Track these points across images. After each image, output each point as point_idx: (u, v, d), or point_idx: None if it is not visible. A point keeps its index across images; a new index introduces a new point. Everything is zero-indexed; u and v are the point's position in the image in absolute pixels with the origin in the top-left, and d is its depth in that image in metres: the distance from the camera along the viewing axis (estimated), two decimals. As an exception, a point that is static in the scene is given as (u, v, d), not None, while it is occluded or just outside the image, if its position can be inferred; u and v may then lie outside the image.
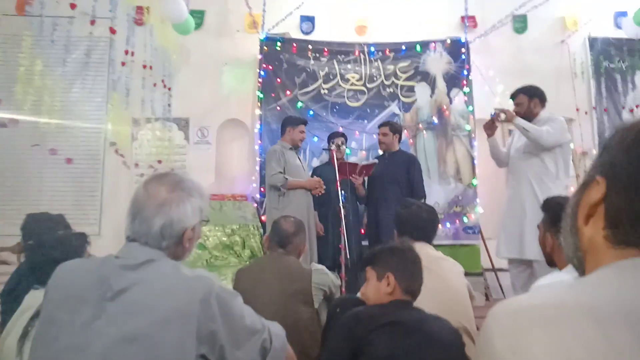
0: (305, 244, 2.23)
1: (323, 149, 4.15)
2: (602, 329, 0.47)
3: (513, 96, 3.33)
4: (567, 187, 3.14)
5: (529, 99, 3.25)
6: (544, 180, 3.14)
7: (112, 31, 3.91)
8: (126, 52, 4.21)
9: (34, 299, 1.65)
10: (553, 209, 1.70)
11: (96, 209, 4.73)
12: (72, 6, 3.39)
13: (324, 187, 3.63)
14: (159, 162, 4.61)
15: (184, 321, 1.03)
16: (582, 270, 0.62)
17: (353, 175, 3.83)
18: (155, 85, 4.49)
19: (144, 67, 4.42)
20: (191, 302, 1.04)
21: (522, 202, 3.20)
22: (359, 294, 1.69)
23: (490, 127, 3.35)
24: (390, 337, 1.38)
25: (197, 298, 1.05)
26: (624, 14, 4.91)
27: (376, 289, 1.56)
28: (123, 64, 4.35)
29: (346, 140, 4.10)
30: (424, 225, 2.11)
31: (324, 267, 2.10)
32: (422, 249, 2.07)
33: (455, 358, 1.41)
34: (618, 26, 4.97)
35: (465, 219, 4.44)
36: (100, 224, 4.67)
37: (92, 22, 3.62)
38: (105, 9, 3.85)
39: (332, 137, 4.04)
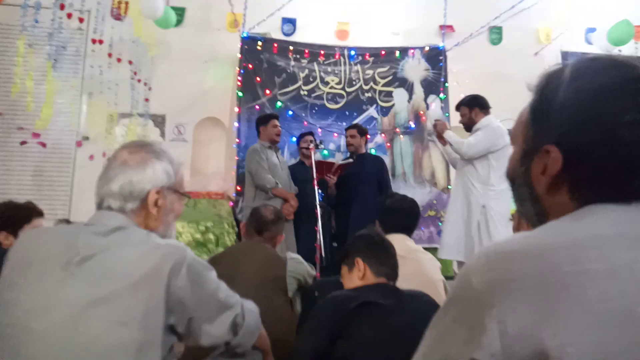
0: (282, 234, 2.22)
1: (302, 148, 4.14)
2: (573, 255, 0.50)
3: (457, 108, 3.53)
4: (503, 191, 3.16)
5: (470, 110, 3.43)
6: (475, 185, 3.27)
7: (80, 20, 3.83)
8: (96, 41, 4.11)
9: None
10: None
11: (65, 204, 4.59)
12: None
13: (293, 210, 3.61)
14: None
15: (152, 288, 1.00)
16: None
17: (328, 174, 3.84)
18: (132, 79, 4.42)
19: (119, 60, 4.35)
20: (161, 269, 1.01)
21: (455, 205, 3.38)
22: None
23: (440, 136, 3.52)
24: (367, 318, 1.38)
25: (167, 265, 1.02)
26: (593, 29, 5.11)
27: (349, 279, 1.57)
28: (101, 42, 4.23)
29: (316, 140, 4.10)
30: (406, 216, 2.14)
31: (299, 257, 2.09)
32: (401, 241, 2.09)
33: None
34: (588, 41, 5.17)
35: (440, 223, 4.49)
36: (69, 218, 4.54)
37: (62, 7, 3.54)
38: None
39: (302, 136, 4.06)
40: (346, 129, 4.08)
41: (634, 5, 4.82)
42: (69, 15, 3.91)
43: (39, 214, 2.31)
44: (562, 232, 0.54)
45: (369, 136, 4.27)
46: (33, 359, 0.94)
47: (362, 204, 3.66)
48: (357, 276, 1.54)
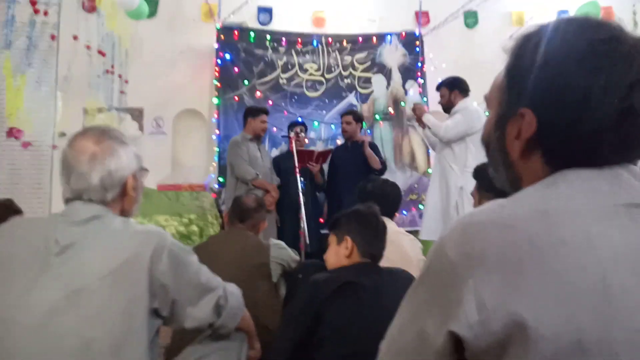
0: (265, 222, 2.24)
1: (282, 137, 4.17)
2: (549, 225, 0.50)
3: (437, 88, 3.56)
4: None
5: (450, 91, 3.46)
6: (452, 167, 3.33)
7: (45, 13, 3.73)
8: (75, 38, 4.05)
9: None
10: (487, 176, 1.78)
11: (44, 202, 4.52)
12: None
13: (274, 200, 3.62)
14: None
15: (134, 274, 1.01)
16: None
17: (310, 162, 3.86)
18: (107, 72, 4.35)
19: (99, 52, 4.27)
20: (142, 255, 1.03)
21: (434, 187, 3.45)
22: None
23: (419, 120, 3.55)
24: (348, 298, 1.41)
25: (148, 251, 1.03)
26: (565, 12, 5.19)
27: (335, 252, 1.58)
28: (76, 38, 4.15)
29: (306, 129, 4.16)
30: (388, 199, 2.18)
31: (282, 242, 2.12)
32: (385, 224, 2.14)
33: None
34: (561, 23, 5.24)
35: (421, 206, 4.56)
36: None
37: (33, 3, 3.45)
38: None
39: (291, 126, 4.07)
40: (342, 115, 4.07)
41: (604, -13, 4.91)
42: (36, 11, 3.83)
43: (17, 211, 2.29)
44: (536, 200, 0.54)
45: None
46: (18, 352, 0.94)
47: (354, 191, 3.67)
48: (343, 253, 1.55)
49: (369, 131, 4.68)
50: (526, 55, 0.59)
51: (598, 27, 0.56)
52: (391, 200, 2.21)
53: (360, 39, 4.77)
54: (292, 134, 3.79)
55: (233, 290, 1.28)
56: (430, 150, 4.60)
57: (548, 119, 0.56)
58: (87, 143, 1.10)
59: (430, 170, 4.62)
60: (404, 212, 4.51)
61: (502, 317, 0.47)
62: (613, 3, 5.02)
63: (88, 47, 4.06)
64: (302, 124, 4.14)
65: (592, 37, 0.55)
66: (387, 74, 4.77)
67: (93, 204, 1.09)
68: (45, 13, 3.75)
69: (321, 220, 4.07)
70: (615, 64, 0.53)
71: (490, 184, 1.68)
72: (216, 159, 4.41)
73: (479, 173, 1.86)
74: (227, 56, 4.50)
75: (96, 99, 4.39)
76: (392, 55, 4.79)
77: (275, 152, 4.42)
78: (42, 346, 0.94)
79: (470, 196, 3.20)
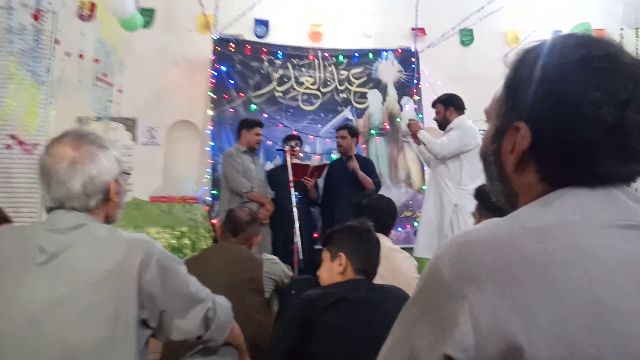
0: (259, 236, 2.20)
1: (276, 150, 4.15)
2: (543, 244, 0.49)
3: (433, 105, 3.56)
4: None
5: (445, 108, 3.46)
6: (447, 184, 3.31)
7: (36, 17, 3.72)
8: (56, 42, 4.02)
9: None
10: (488, 197, 1.77)
11: (34, 211, 4.45)
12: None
13: (269, 214, 3.61)
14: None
15: (122, 282, 0.99)
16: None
17: (305, 177, 3.84)
18: (100, 80, 4.31)
19: (80, 56, 4.25)
20: (130, 264, 1.00)
21: (429, 204, 3.43)
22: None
23: (414, 136, 3.54)
24: (340, 314, 1.38)
25: (136, 260, 1.01)
26: (559, 32, 5.27)
27: (329, 269, 1.55)
28: (68, 54, 4.15)
29: (301, 143, 4.14)
30: (383, 215, 2.16)
31: (275, 257, 2.08)
32: (380, 240, 2.11)
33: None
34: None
35: (415, 223, 4.53)
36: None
37: (36, 16, 3.46)
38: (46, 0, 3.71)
39: (286, 139, 4.06)
40: (337, 130, 4.06)
41: (596, 9, 4.99)
42: (35, 17, 3.82)
43: (6, 220, 2.25)
44: (531, 220, 0.53)
45: (360, 138, 4.27)
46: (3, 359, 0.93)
47: (348, 206, 3.64)
48: (337, 270, 1.52)
49: (364, 146, 4.68)
50: (524, 68, 0.60)
51: (596, 43, 0.57)
52: (386, 216, 2.19)
53: (357, 54, 4.79)
54: (287, 148, 3.77)
55: (222, 303, 1.24)
56: (425, 167, 4.60)
57: (542, 132, 0.57)
58: (65, 148, 1.06)
59: (425, 187, 4.61)
60: (399, 228, 4.48)
61: (497, 340, 0.46)
62: (604, 26, 5.10)
63: (68, 55, 4.02)
64: (297, 137, 4.13)
65: (589, 53, 0.56)
66: (382, 89, 4.79)
67: (76, 212, 1.06)
68: (36, 17, 3.72)
69: (315, 235, 4.03)
70: (610, 81, 0.54)
71: (491, 204, 1.67)
72: (209, 171, 4.37)
73: (480, 193, 1.84)
74: (223, 68, 4.50)
75: (89, 108, 4.35)
76: (388, 71, 4.81)
77: (269, 166, 4.40)
78: (26, 354, 0.93)
79: (465, 213, 3.20)
